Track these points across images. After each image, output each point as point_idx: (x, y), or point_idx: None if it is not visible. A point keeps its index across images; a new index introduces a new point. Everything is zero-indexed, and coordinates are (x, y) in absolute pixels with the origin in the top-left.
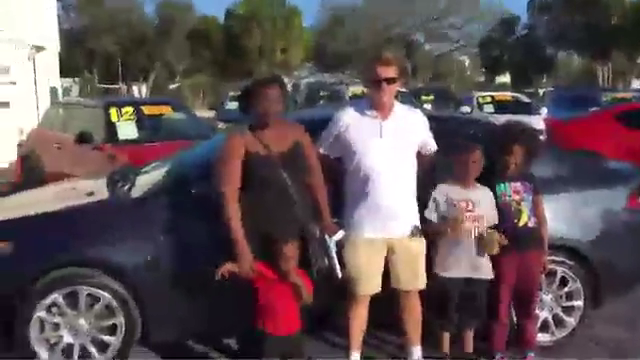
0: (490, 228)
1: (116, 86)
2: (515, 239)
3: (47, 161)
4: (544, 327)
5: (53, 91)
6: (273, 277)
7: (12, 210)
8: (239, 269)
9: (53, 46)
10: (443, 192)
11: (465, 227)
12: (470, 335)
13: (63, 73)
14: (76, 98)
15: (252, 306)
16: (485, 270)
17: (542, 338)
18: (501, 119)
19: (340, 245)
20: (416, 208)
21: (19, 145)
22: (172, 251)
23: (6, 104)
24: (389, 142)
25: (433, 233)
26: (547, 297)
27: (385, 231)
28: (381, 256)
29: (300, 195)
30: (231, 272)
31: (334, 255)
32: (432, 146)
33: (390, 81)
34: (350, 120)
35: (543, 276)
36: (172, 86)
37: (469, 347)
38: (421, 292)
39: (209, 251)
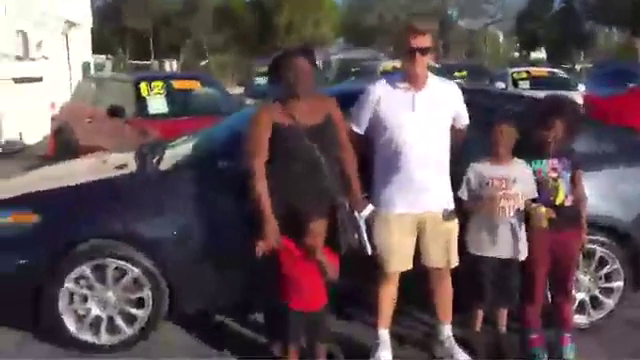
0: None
1: (147, 62)
2: (553, 221)
3: (80, 134)
4: (581, 308)
5: (85, 66)
6: (299, 253)
7: (42, 183)
8: (265, 243)
9: (86, 22)
10: (476, 170)
11: (499, 206)
12: (504, 314)
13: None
14: (108, 73)
15: (278, 281)
16: (521, 250)
17: (578, 319)
18: (539, 95)
19: (369, 221)
20: (449, 183)
21: (52, 119)
22: (199, 224)
23: (39, 79)
24: (422, 115)
25: (466, 212)
26: (585, 278)
27: (416, 206)
28: (412, 232)
29: (330, 169)
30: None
31: (364, 231)
32: (465, 119)
33: (424, 51)
34: (381, 93)
35: (580, 256)
36: (202, 63)
37: (502, 326)
38: (453, 271)
39: (236, 225)
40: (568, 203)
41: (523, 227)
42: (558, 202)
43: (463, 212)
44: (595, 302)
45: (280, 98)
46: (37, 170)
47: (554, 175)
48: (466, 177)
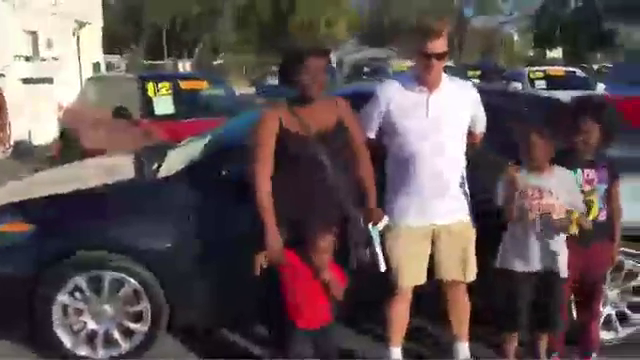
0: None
1: (162, 62)
2: (580, 233)
3: (84, 137)
4: (607, 324)
5: (96, 66)
6: (303, 269)
7: (37, 189)
8: (268, 257)
9: (97, 21)
10: (507, 179)
11: (530, 217)
12: (543, 342)
13: (110, 49)
14: (113, 73)
15: (281, 295)
16: (560, 266)
17: (605, 336)
18: (558, 96)
19: (384, 234)
20: (465, 192)
21: (59, 120)
22: (199, 235)
23: (49, 80)
24: (436, 120)
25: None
26: (612, 292)
27: (430, 217)
28: (426, 245)
29: (341, 178)
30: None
31: (377, 246)
32: (483, 123)
33: (441, 56)
34: (392, 95)
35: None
36: (216, 62)
37: (542, 356)
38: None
39: (238, 236)
40: (601, 218)
41: (562, 241)
42: (590, 218)
43: (494, 226)
44: (621, 317)
45: (289, 99)
46: (34, 175)
47: (588, 188)
48: (498, 185)
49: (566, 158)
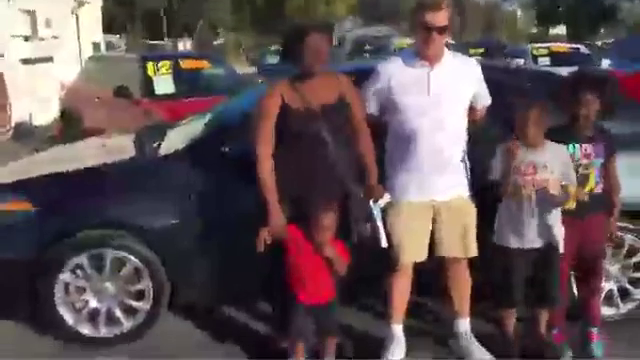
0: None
1: (162, 42)
2: (577, 206)
3: (86, 116)
4: (609, 300)
5: (96, 46)
6: (306, 245)
7: (38, 168)
8: (270, 233)
9: (96, 1)
10: (503, 153)
11: (524, 193)
12: (544, 318)
13: (109, 29)
14: (114, 52)
15: (284, 271)
16: (555, 242)
17: (606, 312)
18: (561, 72)
19: (385, 211)
20: (465, 168)
21: (60, 99)
22: (200, 212)
23: (49, 59)
24: (437, 96)
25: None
26: (613, 268)
27: (431, 194)
28: (427, 221)
29: (342, 154)
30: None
31: (379, 222)
32: (486, 99)
33: (441, 30)
34: (393, 71)
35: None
36: (216, 42)
37: (540, 331)
38: (475, 262)
39: (240, 213)
40: (597, 191)
41: (558, 216)
42: (585, 190)
43: (493, 201)
44: (624, 293)
45: (292, 76)
46: (34, 155)
47: (585, 162)
48: (494, 159)
49: (565, 132)
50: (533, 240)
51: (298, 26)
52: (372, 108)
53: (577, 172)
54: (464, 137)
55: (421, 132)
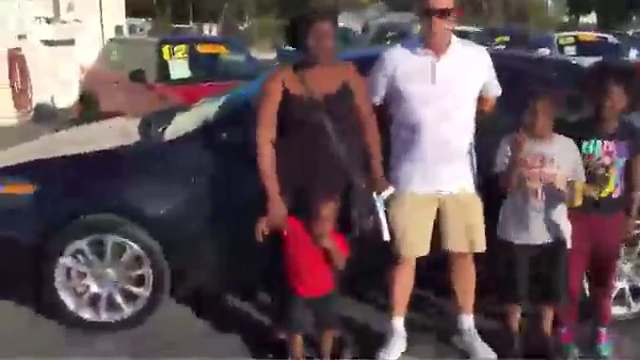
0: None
1: (187, 26)
2: (593, 206)
3: (102, 99)
4: (620, 299)
5: (118, 29)
6: (305, 236)
7: (43, 151)
8: (269, 223)
9: None
10: (509, 144)
11: (530, 186)
12: (548, 315)
13: (135, 13)
14: (134, 36)
15: (283, 261)
16: (563, 238)
17: (617, 311)
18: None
19: (388, 203)
20: (472, 161)
21: (79, 82)
22: (203, 199)
23: (71, 42)
24: (443, 86)
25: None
26: (626, 266)
27: (436, 185)
28: (430, 214)
29: (345, 144)
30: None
31: (382, 215)
32: (496, 89)
33: (442, 13)
34: (398, 60)
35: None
36: (242, 27)
37: (544, 328)
38: (481, 258)
39: (241, 201)
40: (615, 195)
41: (564, 211)
42: (604, 194)
43: (498, 194)
44: (636, 292)
45: (296, 63)
46: (42, 137)
47: (607, 161)
48: (499, 151)
49: (586, 127)
50: (538, 235)
51: (301, 15)
52: (377, 97)
53: (596, 172)
54: (472, 128)
55: (426, 122)
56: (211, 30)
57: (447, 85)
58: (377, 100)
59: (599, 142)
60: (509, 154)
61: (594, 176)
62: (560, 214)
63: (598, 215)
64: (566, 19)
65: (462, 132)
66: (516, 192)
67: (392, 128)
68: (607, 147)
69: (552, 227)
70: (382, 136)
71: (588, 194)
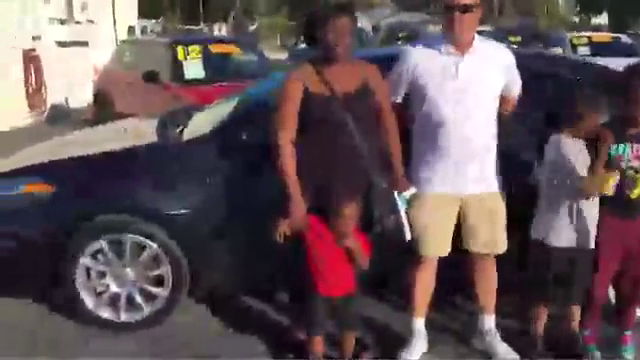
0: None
1: (197, 27)
2: (623, 209)
3: (116, 100)
4: None
5: (131, 30)
6: (327, 235)
7: (60, 151)
8: (290, 223)
9: None
10: (556, 144)
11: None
12: (576, 315)
13: (145, 14)
14: (146, 37)
15: (304, 261)
16: (591, 238)
17: None
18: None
19: (410, 203)
20: (495, 161)
21: (94, 83)
22: (221, 199)
23: (85, 43)
24: (466, 85)
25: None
26: None
27: (458, 186)
28: (452, 214)
29: (366, 144)
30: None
31: (403, 215)
32: (518, 89)
33: (466, 9)
34: (419, 58)
35: None
36: (251, 27)
37: (572, 327)
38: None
39: (260, 201)
40: None
41: (596, 212)
42: (634, 196)
43: (530, 193)
44: None
45: (313, 61)
46: (57, 138)
47: (637, 164)
48: (546, 150)
49: (616, 129)
50: (578, 237)
51: (319, 10)
52: (398, 96)
53: (625, 175)
54: (494, 127)
55: (448, 121)
56: (221, 30)
57: (470, 83)
58: (398, 99)
59: (628, 145)
60: (579, 154)
61: (623, 179)
62: (594, 215)
63: (629, 218)
64: (577, 20)
65: (484, 131)
66: (558, 194)
67: (415, 127)
68: (637, 150)
69: (586, 229)
70: (402, 136)
71: (613, 181)
